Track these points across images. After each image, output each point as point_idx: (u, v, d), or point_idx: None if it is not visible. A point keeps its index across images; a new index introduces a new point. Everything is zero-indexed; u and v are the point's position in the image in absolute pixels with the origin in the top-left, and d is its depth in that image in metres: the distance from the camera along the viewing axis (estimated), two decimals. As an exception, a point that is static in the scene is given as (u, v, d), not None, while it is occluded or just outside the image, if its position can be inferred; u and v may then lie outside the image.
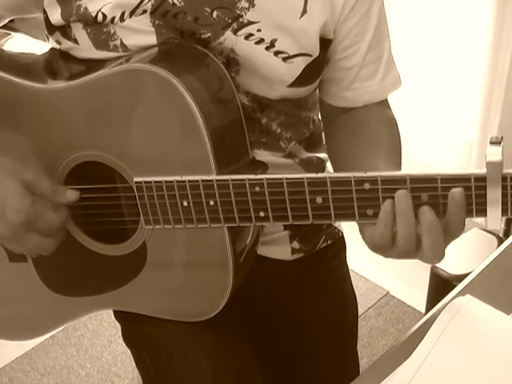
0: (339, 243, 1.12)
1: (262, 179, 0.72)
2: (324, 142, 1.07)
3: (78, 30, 0.87)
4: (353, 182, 0.69)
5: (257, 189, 0.72)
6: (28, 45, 0.98)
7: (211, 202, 0.75)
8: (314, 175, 0.71)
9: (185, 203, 0.76)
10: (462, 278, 0.86)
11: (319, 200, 0.71)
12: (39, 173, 0.80)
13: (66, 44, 0.89)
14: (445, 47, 1.90)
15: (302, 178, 0.71)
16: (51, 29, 0.90)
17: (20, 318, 1.01)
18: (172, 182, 0.76)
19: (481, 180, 0.67)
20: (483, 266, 0.87)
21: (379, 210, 0.70)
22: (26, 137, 0.86)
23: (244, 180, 0.73)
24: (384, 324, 1.89)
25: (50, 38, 0.93)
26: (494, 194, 0.67)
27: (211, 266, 0.85)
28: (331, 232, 1.10)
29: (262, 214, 0.74)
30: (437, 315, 0.76)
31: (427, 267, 1.66)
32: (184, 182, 0.75)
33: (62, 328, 1.86)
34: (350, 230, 1.16)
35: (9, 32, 0.98)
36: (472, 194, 0.68)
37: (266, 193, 0.72)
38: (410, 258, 0.72)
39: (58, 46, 0.92)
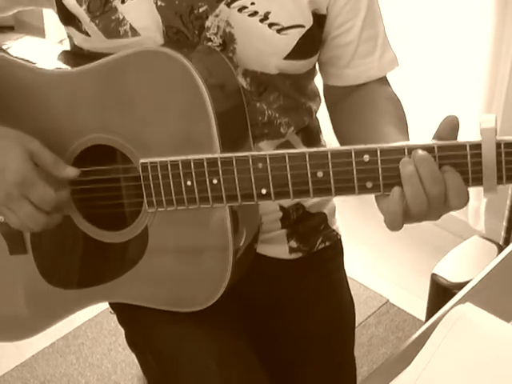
0: (337, 247, 1.12)
1: (264, 155, 0.74)
2: (322, 141, 1.09)
3: (87, 23, 0.90)
4: (353, 154, 0.71)
5: (259, 165, 0.75)
6: (38, 45, 1.00)
7: (214, 181, 0.77)
8: (315, 149, 0.73)
9: (188, 183, 0.78)
10: (462, 285, 0.86)
11: (320, 174, 0.73)
12: (44, 146, 0.83)
13: (79, 36, 0.92)
14: (446, 50, 1.92)
15: (304, 152, 0.73)
16: (66, 20, 0.93)
17: (16, 315, 1.00)
18: (177, 161, 0.78)
19: (476, 147, 0.68)
20: (483, 274, 0.87)
21: (378, 183, 0.71)
22: (37, 120, 0.88)
23: (247, 156, 0.75)
24: (384, 332, 1.89)
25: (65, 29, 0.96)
26: (489, 161, 0.68)
27: (211, 250, 0.87)
28: (329, 234, 1.10)
29: (263, 190, 0.76)
30: (437, 323, 0.76)
31: (427, 275, 1.66)
32: (189, 161, 0.77)
33: (61, 336, 1.86)
34: (348, 236, 1.16)
35: (20, 35, 0.99)
36: (468, 161, 0.69)
37: (268, 168, 0.74)
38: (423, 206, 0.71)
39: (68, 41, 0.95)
